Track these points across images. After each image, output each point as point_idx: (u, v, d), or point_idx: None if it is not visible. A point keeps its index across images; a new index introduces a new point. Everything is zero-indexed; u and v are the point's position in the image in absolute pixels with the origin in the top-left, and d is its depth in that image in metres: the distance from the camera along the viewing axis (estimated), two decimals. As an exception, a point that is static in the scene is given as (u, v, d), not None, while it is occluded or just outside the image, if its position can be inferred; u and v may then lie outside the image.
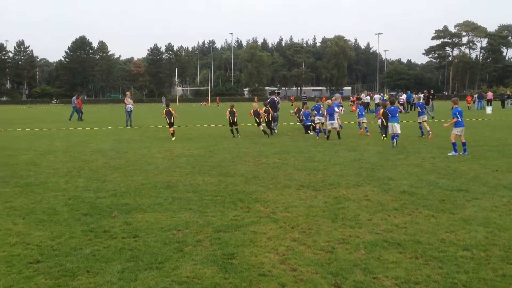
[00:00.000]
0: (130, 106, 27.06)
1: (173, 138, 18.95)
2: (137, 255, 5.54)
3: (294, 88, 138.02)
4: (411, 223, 6.74)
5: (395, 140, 15.96)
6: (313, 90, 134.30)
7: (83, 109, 35.12)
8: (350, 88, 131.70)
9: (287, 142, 17.56)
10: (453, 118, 13.72)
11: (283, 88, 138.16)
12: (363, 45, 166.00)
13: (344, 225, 6.72)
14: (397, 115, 16.50)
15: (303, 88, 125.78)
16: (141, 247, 5.84)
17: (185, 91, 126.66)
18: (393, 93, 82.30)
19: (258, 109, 20.42)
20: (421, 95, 36.23)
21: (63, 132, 23.52)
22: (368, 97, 43.30)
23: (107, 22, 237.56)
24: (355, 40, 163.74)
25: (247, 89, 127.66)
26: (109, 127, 25.90)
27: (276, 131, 21.70)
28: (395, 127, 16.11)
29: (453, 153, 13.52)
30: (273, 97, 23.87)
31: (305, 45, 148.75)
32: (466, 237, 6.10)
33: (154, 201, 8.22)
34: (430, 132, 18.45)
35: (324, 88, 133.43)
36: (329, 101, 20.57)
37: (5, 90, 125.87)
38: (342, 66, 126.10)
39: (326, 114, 18.79)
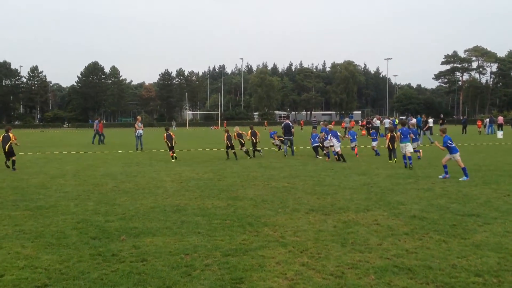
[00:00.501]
0: (140, 131, 27.15)
1: (173, 160, 20.07)
2: (145, 279, 5.51)
3: (304, 113, 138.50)
4: (421, 248, 6.66)
5: (408, 161, 16.31)
6: (322, 114, 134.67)
7: (104, 133, 35.80)
8: (360, 112, 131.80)
9: (297, 166, 17.53)
10: (444, 147, 13.93)
11: (293, 113, 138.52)
12: (372, 69, 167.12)
13: (353, 249, 6.65)
14: (408, 136, 17.07)
15: (313, 112, 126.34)
16: (149, 271, 5.81)
17: (195, 115, 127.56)
18: (403, 117, 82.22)
19: (241, 132, 21.67)
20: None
21: (73, 155, 23.69)
22: (378, 121, 43.23)
23: (119, 47, 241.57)
24: (365, 65, 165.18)
25: (256, 113, 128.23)
26: (119, 151, 26.06)
27: (292, 154, 22.70)
28: (407, 147, 16.56)
29: (444, 175, 13.80)
30: (287, 121, 24.47)
31: (314, 70, 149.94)
32: (477, 262, 6.01)
33: (163, 225, 8.21)
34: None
35: (334, 112, 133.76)
36: (330, 125, 21.20)
37: (18, 114, 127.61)
38: (351, 90, 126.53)
39: (331, 137, 19.38)
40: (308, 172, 15.80)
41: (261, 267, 5.91)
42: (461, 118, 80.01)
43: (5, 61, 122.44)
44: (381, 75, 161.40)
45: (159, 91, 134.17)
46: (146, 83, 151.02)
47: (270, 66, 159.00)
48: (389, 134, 18.33)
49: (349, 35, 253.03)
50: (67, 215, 9.06)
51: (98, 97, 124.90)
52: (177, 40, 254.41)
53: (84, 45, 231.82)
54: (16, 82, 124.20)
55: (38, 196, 11.27)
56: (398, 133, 17.37)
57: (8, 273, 5.78)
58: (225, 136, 20.91)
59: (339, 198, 10.70)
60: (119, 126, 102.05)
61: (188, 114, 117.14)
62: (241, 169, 16.70)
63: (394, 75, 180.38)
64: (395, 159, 18.15)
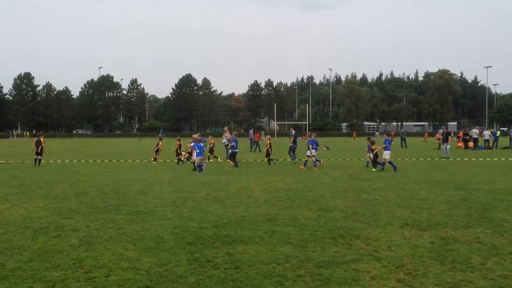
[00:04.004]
0: (225, 140, 28.48)
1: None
2: (239, 287, 5.61)
3: (394, 123, 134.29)
4: (531, 271, 6.15)
5: None
6: (414, 125, 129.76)
7: (260, 141, 38.41)
8: (456, 123, 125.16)
9: (388, 178, 16.99)
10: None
11: (383, 123, 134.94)
12: (470, 78, 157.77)
13: (454, 268, 6.30)
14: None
15: (404, 124, 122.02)
16: (243, 278, 5.91)
17: (282, 126, 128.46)
18: (504, 128, 76.96)
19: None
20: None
21: (168, 164, 24.76)
22: (477, 132, 40.75)
23: (211, 60, 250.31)
24: (461, 73, 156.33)
25: (345, 124, 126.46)
26: (210, 160, 26.86)
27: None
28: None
29: None
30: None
31: (406, 79, 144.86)
32: None
33: (255, 234, 8.32)
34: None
35: (427, 123, 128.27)
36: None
37: (118, 124, 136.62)
38: (446, 100, 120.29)
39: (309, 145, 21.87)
40: (400, 184, 15.25)
41: (355, 281, 5.78)
42: None
43: (108, 75, 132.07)
44: (479, 84, 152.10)
45: (248, 102, 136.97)
46: (236, 94, 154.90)
47: (359, 76, 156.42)
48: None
49: (443, 42, 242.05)
50: (164, 221, 9.49)
51: (191, 108, 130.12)
52: (266, 52, 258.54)
53: (178, 59, 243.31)
54: (118, 94, 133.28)
55: (138, 202, 11.92)
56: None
57: (113, 273, 6.15)
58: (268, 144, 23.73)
59: (436, 213, 10.20)
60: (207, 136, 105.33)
61: (276, 124, 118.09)
62: (330, 180, 16.51)
63: (495, 84, 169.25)
64: None
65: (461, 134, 45.15)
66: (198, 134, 22.97)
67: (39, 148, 23.86)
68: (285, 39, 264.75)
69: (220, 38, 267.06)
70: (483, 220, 9.38)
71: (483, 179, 16.56)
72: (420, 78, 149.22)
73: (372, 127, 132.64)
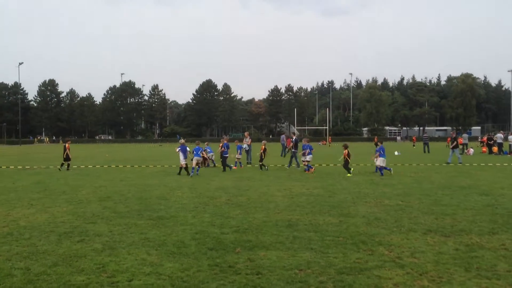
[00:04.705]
0: (246, 145, 28.50)
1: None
2: (261, 292, 5.60)
3: (416, 128, 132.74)
4: (560, 279, 6.00)
5: None
6: (436, 130, 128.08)
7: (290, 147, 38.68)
8: (479, 128, 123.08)
9: (411, 184, 16.79)
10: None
11: (404, 128, 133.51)
12: (494, 82, 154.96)
13: (479, 275, 6.19)
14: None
15: (426, 128, 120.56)
16: (264, 284, 5.90)
17: (303, 131, 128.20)
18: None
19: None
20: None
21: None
22: (501, 136, 39.94)
23: (231, 66, 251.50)
24: (485, 77, 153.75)
25: (366, 128, 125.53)
26: (232, 165, 26.89)
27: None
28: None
29: None
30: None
31: (428, 83, 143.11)
32: None
33: (276, 239, 8.31)
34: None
35: (449, 128, 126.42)
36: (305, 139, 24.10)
37: (140, 130, 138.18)
38: (469, 104, 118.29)
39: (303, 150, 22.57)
40: (423, 190, 15.05)
41: (378, 288, 5.72)
42: None
43: (130, 81, 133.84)
44: (503, 88, 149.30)
45: (268, 107, 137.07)
46: (256, 99, 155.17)
47: (380, 81, 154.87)
48: None
49: (466, 46, 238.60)
50: (185, 226, 9.54)
51: (211, 113, 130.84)
52: (286, 56, 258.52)
53: (199, 64, 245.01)
54: (139, 100, 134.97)
55: (159, 207, 12.02)
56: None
57: (136, 278, 6.21)
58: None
59: (460, 219, 10.04)
60: (229, 141, 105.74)
61: (296, 129, 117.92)
62: (351, 185, 16.40)
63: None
64: None
65: (485, 139, 44.32)
66: (197, 141, 23.36)
67: (65, 153, 24.74)
68: (305, 44, 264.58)
69: (240, 43, 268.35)
70: (508, 226, 9.20)
71: (508, 185, 16.25)
72: (443, 82, 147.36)
73: (394, 132, 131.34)
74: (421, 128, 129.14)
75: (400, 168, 24.18)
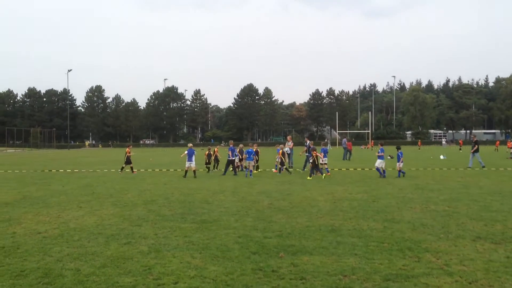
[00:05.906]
0: (288, 149, 28.25)
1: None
2: (305, 298, 5.57)
3: (463, 131, 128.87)
4: None
5: None
6: (484, 133, 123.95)
7: (352, 150, 40.53)
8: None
9: (458, 189, 16.31)
10: None
11: (450, 131, 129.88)
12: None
13: (533, 285, 5.94)
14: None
15: (473, 131, 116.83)
16: (308, 289, 5.87)
17: (345, 135, 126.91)
18: None
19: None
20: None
21: (229, 173, 25.01)
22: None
23: (273, 69, 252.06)
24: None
25: (409, 132, 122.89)
26: (272, 169, 26.90)
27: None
28: None
29: None
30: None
31: (475, 85, 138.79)
32: None
33: (319, 244, 8.24)
34: None
35: (498, 131, 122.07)
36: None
37: (182, 134, 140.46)
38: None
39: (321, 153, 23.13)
40: (471, 195, 14.59)
41: (425, 296, 5.58)
42: None
43: (173, 86, 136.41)
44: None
45: (309, 111, 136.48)
46: (297, 103, 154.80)
47: (424, 83, 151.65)
48: None
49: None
50: (228, 230, 9.61)
51: (252, 117, 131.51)
52: (328, 59, 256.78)
53: (240, 69, 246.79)
54: (182, 104, 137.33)
55: (202, 210, 12.16)
56: None
57: (181, 281, 6.30)
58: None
59: (511, 226, 9.67)
60: (270, 145, 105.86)
61: (337, 133, 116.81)
62: (395, 190, 16.08)
63: None
64: None
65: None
66: (250, 144, 24.36)
67: (126, 157, 26.41)
68: (347, 46, 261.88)
69: (281, 47, 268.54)
70: None
71: None
72: (491, 84, 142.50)
73: (439, 135, 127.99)
74: (468, 131, 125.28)
75: (446, 172, 23.54)
